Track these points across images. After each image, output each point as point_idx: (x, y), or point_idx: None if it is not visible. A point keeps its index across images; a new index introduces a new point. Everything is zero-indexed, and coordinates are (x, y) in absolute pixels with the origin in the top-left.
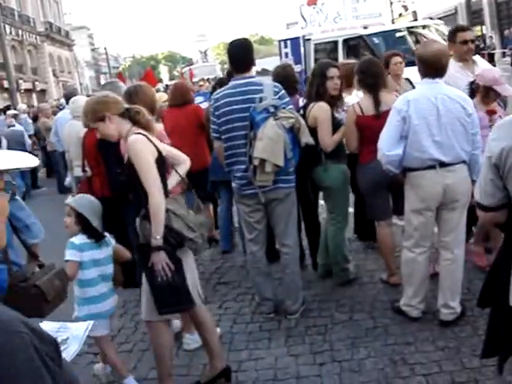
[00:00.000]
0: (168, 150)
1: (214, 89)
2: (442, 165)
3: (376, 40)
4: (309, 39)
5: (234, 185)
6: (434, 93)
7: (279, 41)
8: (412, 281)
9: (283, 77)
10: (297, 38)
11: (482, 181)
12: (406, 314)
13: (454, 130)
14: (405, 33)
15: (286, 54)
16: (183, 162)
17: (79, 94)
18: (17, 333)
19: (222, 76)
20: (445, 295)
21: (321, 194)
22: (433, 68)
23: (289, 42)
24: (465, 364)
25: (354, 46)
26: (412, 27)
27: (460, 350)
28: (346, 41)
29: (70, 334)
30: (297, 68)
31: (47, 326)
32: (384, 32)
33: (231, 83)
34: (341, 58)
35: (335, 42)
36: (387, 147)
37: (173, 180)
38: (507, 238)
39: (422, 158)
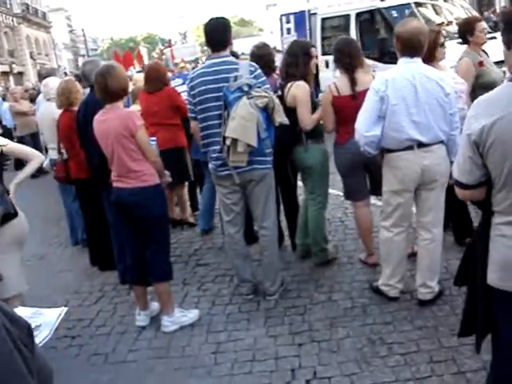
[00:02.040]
0: (14, 147)
1: None
2: (420, 145)
3: (395, 13)
4: (315, 13)
5: (210, 165)
6: (412, 72)
7: (281, 15)
8: (390, 260)
9: (259, 56)
10: (301, 13)
11: (461, 158)
12: (385, 293)
13: (432, 109)
14: (428, 6)
15: (289, 30)
16: (33, 159)
17: (58, 74)
18: None
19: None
20: (423, 275)
21: (299, 175)
22: (410, 47)
23: (292, 16)
24: (443, 343)
25: (368, 20)
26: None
27: (438, 330)
28: (359, 15)
29: (42, 320)
30: None
31: (21, 311)
32: (404, 5)
33: (207, 62)
34: (353, 35)
35: (346, 17)
36: (365, 128)
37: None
38: (484, 216)
39: (399, 139)
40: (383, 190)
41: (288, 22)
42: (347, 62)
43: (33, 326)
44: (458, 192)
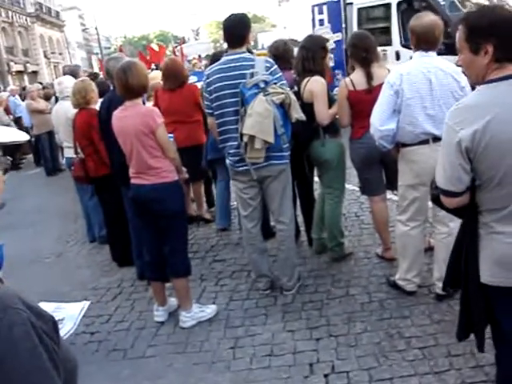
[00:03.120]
0: None
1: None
2: (435, 139)
3: (441, 1)
4: (351, 3)
5: (227, 161)
6: (426, 66)
7: (313, 6)
8: (406, 255)
9: (283, 53)
10: (336, 2)
11: (447, 167)
12: (402, 288)
13: (446, 103)
14: None
15: (321, 22)
16: None
17: (81, 72)
18: (13, 309)
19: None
20: (440, 269)
21: (315, 170)
22: (425, 40)
23: (325, 6)
24: None
25: (412, 9)
26: None
27: (456, 323)
28: (400, 3)
29: (65, 313)
30: (335, 37)
31: (43, 306)
32: None
33: (223, 59)
34: (394, 25)
35: (387, 6)
36: (380, 122)
37: None
38: (468, 218)
39: (415, 133)
40: (399, 184)
41: (321, 12)
42: (363, 57)
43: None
44: (445, 202)
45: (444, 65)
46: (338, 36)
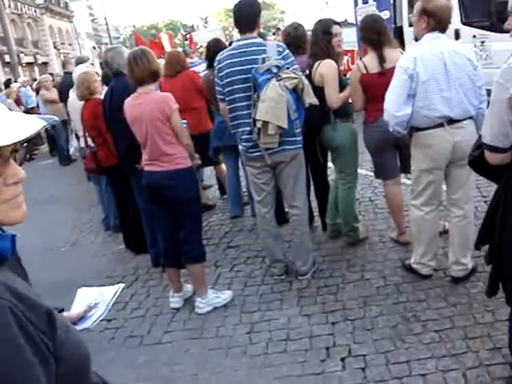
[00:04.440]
0: None
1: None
2: (450, 122)
3: None
4: None
5: (240, 147)
6: (439, 48)
7: None
8: (422, 239)
9: (295, 37)
10: None
11: (495, 124)
12: (417, 271)
13: (462, 84)
14: None
15: (365, 0)
16: None
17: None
18: None
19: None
20: (456, 252)
21: (329, 155)
22: (438, 21)
23: None
24: (477, 319)
25: None
26: None
27: (472, 306)
28: None
29: (101, 298)
30: (383, 15)
31: (84, 292)
32: None
33: (234, 44)
34: (456, 6)
35: None
36: (396, 107)
37: None
38: (509, 177)
39: (430, 117)
40: (412, 168)
41: None
42: (375, 39)
43: (93, 303)
44: (490, 158)
45: (456, 46)
46: (386, 14)
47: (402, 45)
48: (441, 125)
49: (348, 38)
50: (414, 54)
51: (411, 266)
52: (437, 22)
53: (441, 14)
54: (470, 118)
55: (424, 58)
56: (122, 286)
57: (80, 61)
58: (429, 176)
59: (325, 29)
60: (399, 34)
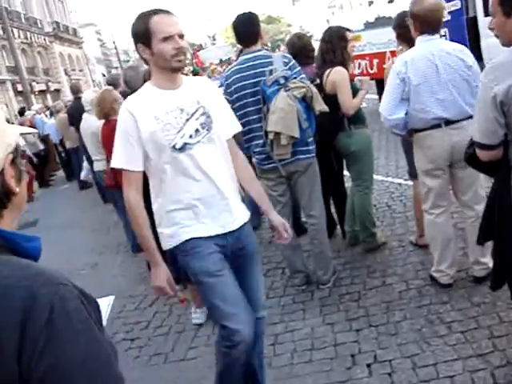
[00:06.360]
0: None
1: None
2: (448, 123)
3: None
4: None
5: (254, 160)
6: (430, 50)
7: None
8: (436, 244)
9: (299, 47)
10: None
11: (483, 121)
12: (437, 280)
13: (455, 85)
14: None
15: None
16: None
17: (83, 86)
18: (64, 285)
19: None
20: (474, 252)
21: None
22: (429, 24)
23: None
24: (502, 318)
25: None
26: None
27: (496, 305)
28: None
29: None
30: (451, 7)
31: None
32: None
33: (240, 59)
34: None
35: None
36: (388, 111)
37: None
38: (503, 171)
39: (426, 119)
40: (417, 171)
41: None
42: (409, 36)
43: None
44: (480, 155)
45: (448, 46)
46: (456, 4)
47: (477, 37)
48: (438, 125)
49: (378, 40)
50: (405, 57)
51: (431, 275)
52: (425, 24)
53: (429, 16)
54: (470, 117)
55: (415, 62)
56: (112, 297)
57: (112, 82)
58: (430, 177)
59: (340, 35)
60: (473, 24)
